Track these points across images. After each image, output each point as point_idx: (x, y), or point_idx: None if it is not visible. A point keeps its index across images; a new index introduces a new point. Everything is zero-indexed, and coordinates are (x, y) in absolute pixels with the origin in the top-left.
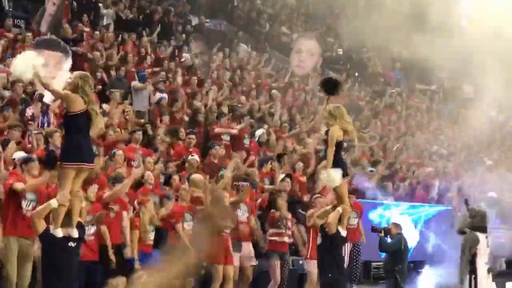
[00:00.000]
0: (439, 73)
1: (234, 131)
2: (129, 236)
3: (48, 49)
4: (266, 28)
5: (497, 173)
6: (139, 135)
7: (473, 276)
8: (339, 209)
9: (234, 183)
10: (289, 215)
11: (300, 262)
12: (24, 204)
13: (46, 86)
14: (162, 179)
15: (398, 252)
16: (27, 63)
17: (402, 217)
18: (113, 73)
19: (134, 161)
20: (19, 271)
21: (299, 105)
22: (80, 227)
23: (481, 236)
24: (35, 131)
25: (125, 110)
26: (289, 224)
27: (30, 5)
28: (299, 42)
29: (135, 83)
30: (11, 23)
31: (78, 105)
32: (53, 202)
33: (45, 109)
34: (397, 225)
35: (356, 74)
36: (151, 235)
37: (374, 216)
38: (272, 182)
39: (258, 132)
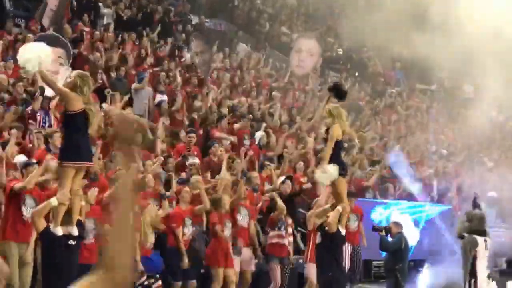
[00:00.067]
0: (439, 73)
1: (233, 138)
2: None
3: (49, 45)
4: (266, 28)
5: (497, 173)
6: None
7: (473, 279)
8: (339, 208)
9: (234, 186)
10: (290, 220)
11: (300, 261)
12: (24, 209)
13: (50, 83)
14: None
15: (399, 251)
16: (35, 55)
17: (403, 216)
18: (113, 74)
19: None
20: (20, 275)
21: (299, 106)
22: (80, 225)
23: (479, 239)
24: (35, 130)
25: (125, 107)
26: (289, 229)
27: (30, 4)
28: (299, 41)
29: (135, 85)
30: (12, 23)
31: (78, 104)
32: (53, 201)
33: (46, 104)
34: (397, 224)
35: (356, 74)
36: (151, 238)
37: (375, 215)
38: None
39: (258, 134)
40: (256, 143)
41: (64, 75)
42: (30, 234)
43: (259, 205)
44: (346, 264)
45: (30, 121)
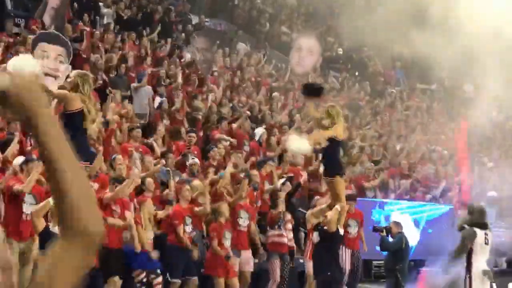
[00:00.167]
0: (440, 73)
1: (234, 140)
2: (135, 231)
3: (49, 42)
4: (266, 27)
5: (497, 173)
6: (137, 132)
7: (467, 275)
8: (337, 207)
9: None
10: (289, 216)
11: (301, 261)
12: (25, 208)
13: (46, 90)
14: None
15: (399, 251)
16: (22, 67)
17: (403, 216)
18: (112, 74)
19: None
20: (20, 274)
21: (299, 106)
22: None
23: (479, 232)
24: None
25: (123, 113)
26: (289, 225)
27: (30, 4)
28: (299, 40)
29: (135, 84)
30: (12, 23)
31: (76, 103)
32: (52, 201)
33: None
34: (397, 224)
35: (357, 74)
36: (150, 234)
37: (375, 215)
38: (271, 183)
39: (258, 131)
40: (256, 139)
41: (64, 73)
42: (31, 231)
43: (259, 203)
44: (346, 267)
45: None
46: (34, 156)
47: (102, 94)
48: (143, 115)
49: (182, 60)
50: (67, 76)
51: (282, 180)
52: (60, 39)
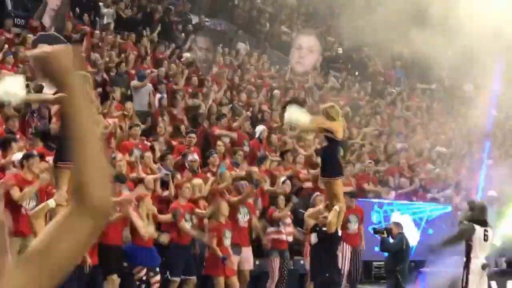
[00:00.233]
0: (439, 72)
1: (235, 135)
2: (139, 222)
3: (50, 44)
4: (266, 27)
5: (497, 172)
6: (137, 130)
7: (465, 271)
8: (336, 208)
9: (235, 183)
10: (288, 212)
11: (302, 262)
12: (24, 202)
13: (43, 98)
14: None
15: (400, 252)
16: (9, 89)
17: (403, 217)
18: (112, 73)
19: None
20: None
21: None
22: None
23: (478, 228)
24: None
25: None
26: (288, 220)
27: (30, 4)
28: (299, 38)
29: (135, 82)
30: (12, 22)
31: None
32: (51, 202)
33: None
34: (398, 225)
35: (357, 73)
36: (151, 229)
37: (375, 216)
38: (271, 180)
39: (259, 128)
40: (256, 136)
41: None
42: (30, 228)
43: (259, 201)
44: (346, 266)
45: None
46: (35, 152)
47: (102, 94)
48: (143, 112)
49: (183, 60)
50: None
51: (282, 178)
52: (60, 40)
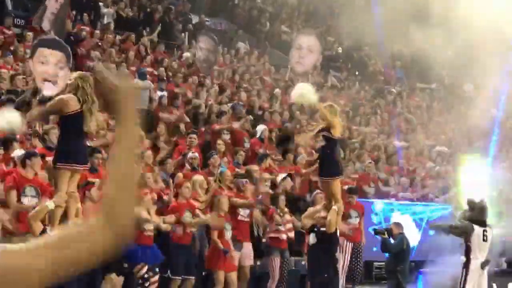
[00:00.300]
0: (439, 71)
1: (237, 125)
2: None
3: (50, 48)
4: (267, 27)
5: (497, 172)
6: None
7: (464, 270)
8: (335, 207)
9: (235, 180)
10: (286, 210)
11: (302, 262)
12: (25, 200)
13: (41, 112)
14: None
15: (401, 252)
16: (8, 123)
17: (403, 217)
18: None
19: None
20: None
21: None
22: None
23: (477, 228)
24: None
25: None
26: (287, 216)
27: (30, 4)
28: (298, 38)
29: (136, 82)
30: (11, 21)
31: (71, 106)
32: (50, 204)
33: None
34: (398, 225)
35: (357, 73)
36: (150, 226)
37: (375, 216)
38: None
39: (260, 128)
40: (258, 136)
41: (64, 78)
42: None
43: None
44: (346, 262)
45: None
46: (37, 151)
47: None
48: (143, 111)
49: (183, 59)
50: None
51: (282, 175)
52: (60, 44)
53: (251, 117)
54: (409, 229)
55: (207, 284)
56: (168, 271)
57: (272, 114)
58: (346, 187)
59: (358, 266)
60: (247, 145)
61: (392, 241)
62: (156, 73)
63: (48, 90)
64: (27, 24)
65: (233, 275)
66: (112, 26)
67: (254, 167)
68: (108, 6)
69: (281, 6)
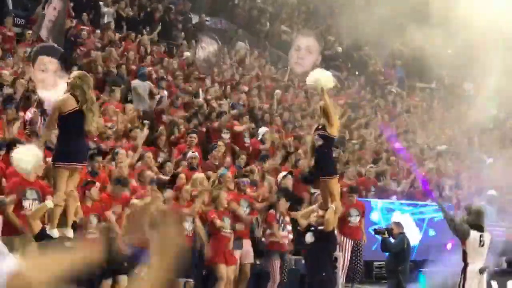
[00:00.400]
0: (439, 71)
1: (238, 127)
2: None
3: (49, 55)
4: (267, 26)
5: (497, 171)
6: (135, 132)
7: (462, 275)
8: (333, 206)
9: (236, 180)
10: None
11: (303, 261)
12: (26, 203)
13: (48, 124)
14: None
15: (401, 252)
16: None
17: (404, 216)
18: (113, 71)
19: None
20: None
21: (299, 102)
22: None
23: (473, 233)
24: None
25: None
26: (288, 219)
27: (30, 4)
28: (297, 39)
29: (136, 82)
30: (12, 21)
31: (69, 105)
32: (49, 203)
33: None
34: (398, 225)
35: (357, 73)
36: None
37: (375, 216)
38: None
39: (262, 130)
40: (259, 138)
41: (62, 86)
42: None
43: (260, 198)
44: (346, 261)
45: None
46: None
47: (101, 91)
48: (143, 112)
49: (183, 58)
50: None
51: (283, 174)
52: (58, 52)
53: (253, 124)
54: (410, 228)
55: (207, 284)
56: None
57: (272, 116)
58: (345, 188)
59: (358, 265)
60: (247, 140)
61: (392, 240)
62: (156, 73)
63: (48, 102)
64: (27, 23)
65: (231, 270)
66: (112, 25)
67: (254, 168)
68: (108, 6)
69: (281, 5)
